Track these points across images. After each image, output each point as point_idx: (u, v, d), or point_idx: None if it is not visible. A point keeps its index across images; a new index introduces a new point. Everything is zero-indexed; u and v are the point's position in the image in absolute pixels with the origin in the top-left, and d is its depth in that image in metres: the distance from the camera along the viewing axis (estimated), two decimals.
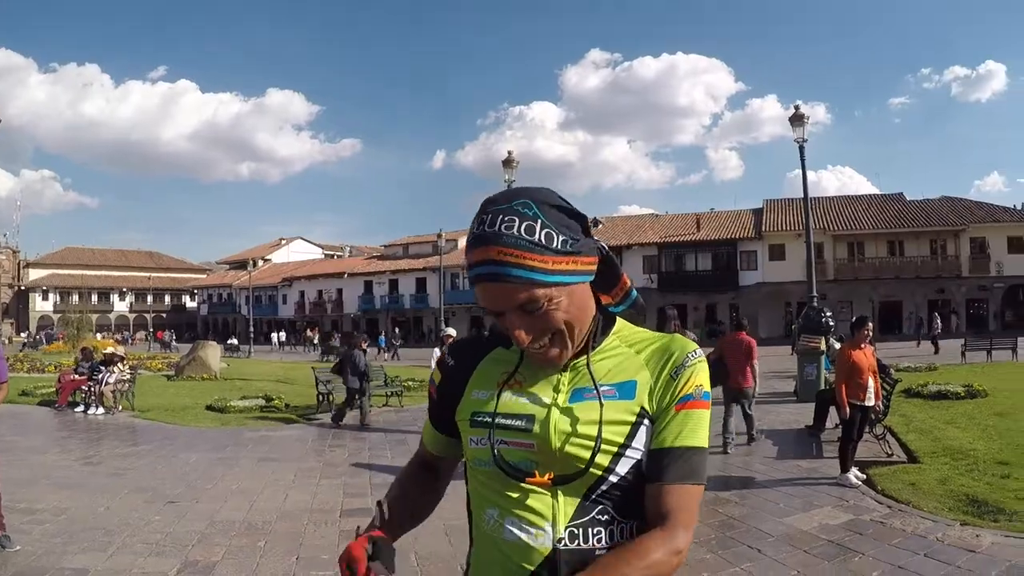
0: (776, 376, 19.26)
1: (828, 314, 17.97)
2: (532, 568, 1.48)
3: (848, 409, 8.54)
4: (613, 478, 1.49)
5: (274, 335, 69.05)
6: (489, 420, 1.55)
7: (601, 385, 1.53)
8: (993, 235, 49.87)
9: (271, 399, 18.25)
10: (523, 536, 1.49)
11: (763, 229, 54.67)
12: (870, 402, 8.81)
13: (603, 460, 1.48)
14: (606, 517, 1.50)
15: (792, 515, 7.33)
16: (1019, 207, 53.62)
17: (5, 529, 6.35)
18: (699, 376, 1.55)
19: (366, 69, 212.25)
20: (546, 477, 1.49)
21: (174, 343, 63.96)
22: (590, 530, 1.49)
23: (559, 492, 1.49)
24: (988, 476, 8.45)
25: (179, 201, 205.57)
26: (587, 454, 1.47)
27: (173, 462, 10.85)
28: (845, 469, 8.55)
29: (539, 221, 1.43)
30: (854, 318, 9.39)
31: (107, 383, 17.27)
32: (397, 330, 60.78)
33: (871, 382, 8.80)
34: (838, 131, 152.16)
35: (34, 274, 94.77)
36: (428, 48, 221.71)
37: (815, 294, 19.29)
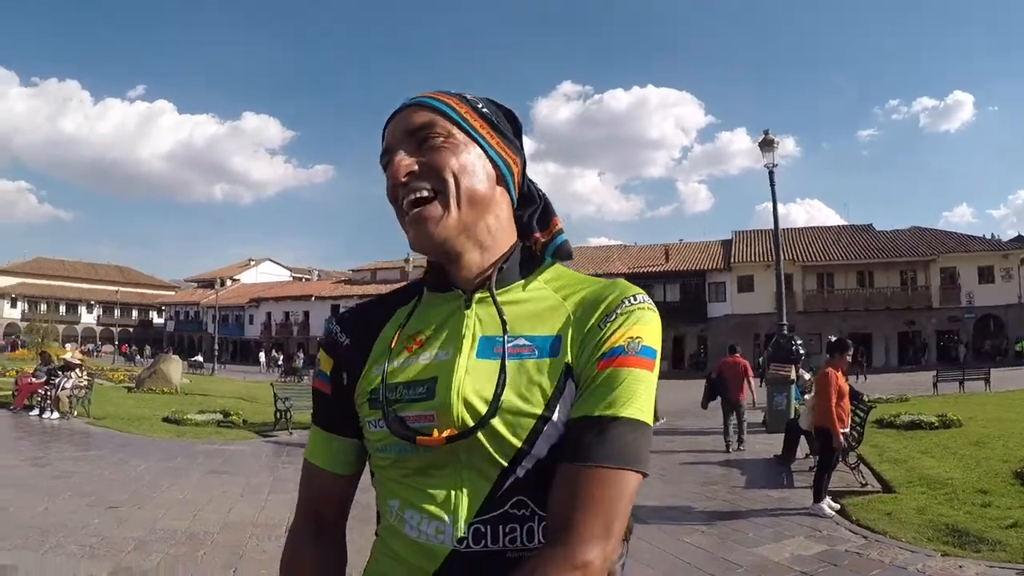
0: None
1: (798, 342, 17.59)
2: (430, 570, 1.18)
3: (840, 437, 8.39)
4: (529, 462, 1.17)
5: (261, 355, 66.19)
6: (379, 393, 1.25)
7: (517, 337, 1.23)
8: (963, 265, 49.63)
9: (229, 414, 17.99)
10: (421, 532, 1.19)
11: (732, 260, 54.56)
12: (846, 429, 8.71)
13: (515, 437, 1.16)
14: (523, 512, 1.17)
15: (762, 545, 7.03)
16: (989, 237, 53.78)
17: None
18: (637, 326, 1.20)
19: (341, 96, 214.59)
20: (437, 434, 1.17)
21: (139, 357, 63.11)
22: (501, 527, 1.17)
23: (465, 481, 1.18)
24: (968, 505, 8.19)
25: (152, 219, 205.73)
26: (497, 426, 1.16)
27: (121, 469, 10.61)
28: (819, 498, 8.30)
29: (472, 95, 1.33)
30: (833, 338, 9.22)
31: (63, 388, 17.21)
32: None
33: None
34: (807, 164, 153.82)
35: (3, 281, 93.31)
36: (403, 77, 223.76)
37: (785, 322, 18.94)
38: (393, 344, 1.29)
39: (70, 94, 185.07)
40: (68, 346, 60.97)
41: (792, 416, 14.25)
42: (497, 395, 1.16)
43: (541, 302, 1.27)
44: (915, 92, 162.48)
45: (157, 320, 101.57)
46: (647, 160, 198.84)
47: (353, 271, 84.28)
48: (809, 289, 52.79)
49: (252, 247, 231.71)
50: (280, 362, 58.23)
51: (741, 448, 13.48)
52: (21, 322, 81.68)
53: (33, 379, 18.07)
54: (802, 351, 17.33)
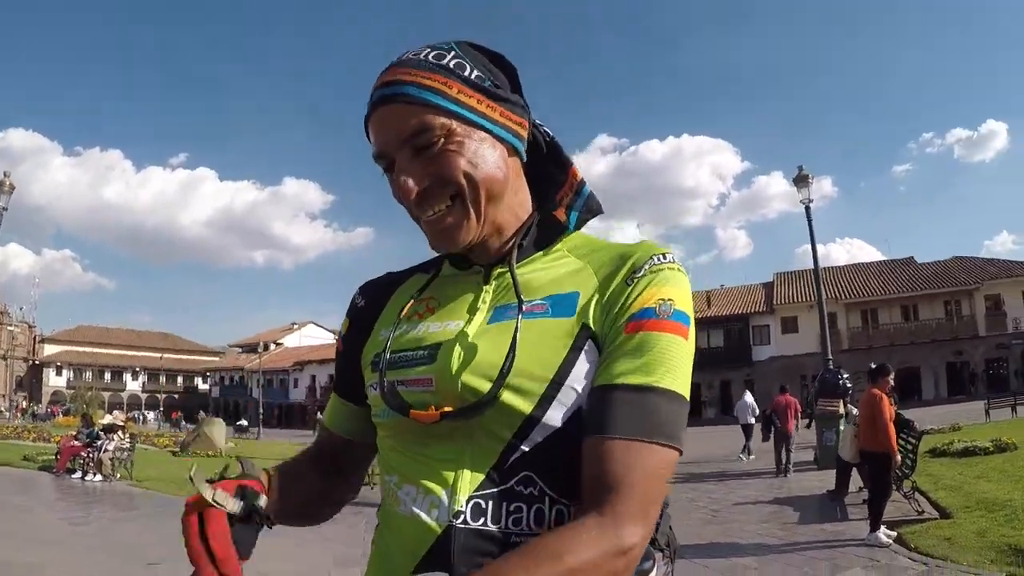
0: (795, 446, 18.78)
1: (845, 376, 17.34)
2: (423, 551, 1.06)
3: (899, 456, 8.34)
4: (539, 433, 1.05)
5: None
6: (380, 355, 1.18)
7: (531, 300, 1.13)
8: (1008, 291, 48.26)
9: None
10: (416, 509, 1.08)
11: (774, 302, 54.06)
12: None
13: (523, 402, 1.04)
14: (530, 490, 1.05)
15: None
16: None
17: None
18: (668, 287, 1.09)
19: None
20: (434, 408, 1.08)
21: (184, 423, 63.67)
22: (505, 506, 1.04)
23: (467, 453, 1.07)
24: None
25: (193, 284, 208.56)
26: (504, 393, 1.05)
27: (162, 528, 10.42)
28: (875, 527, 8.11)
29: (452, 52, 1.15)
30: (873, 365, 9.11)
31: (106, 450, 17.30)
32: None
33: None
34: (845, 204, 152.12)
35: (49, 349, 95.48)
36: None
37: (831, 358, 18.74)
38: (404, 311, 1.24)
39: (112, 163, 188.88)
40: (114, 412, 61.93)
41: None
42: (503, 372, 1.05)
43: (562, 267, 1.19)
44: (948, 124, 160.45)
45: (202, 386, 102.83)
46: (685, 209, 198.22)
47: None
48: (854, 326, 52.10)
49: (294, 311, 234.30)
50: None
51: (789, 473, 15.79)
52: (67, 390, 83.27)
53: (75, 442, 18.09)
54: (849, 384, 17.09)
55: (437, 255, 1.32)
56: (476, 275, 1.22)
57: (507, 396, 1.04)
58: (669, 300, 1.07)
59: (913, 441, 10.16)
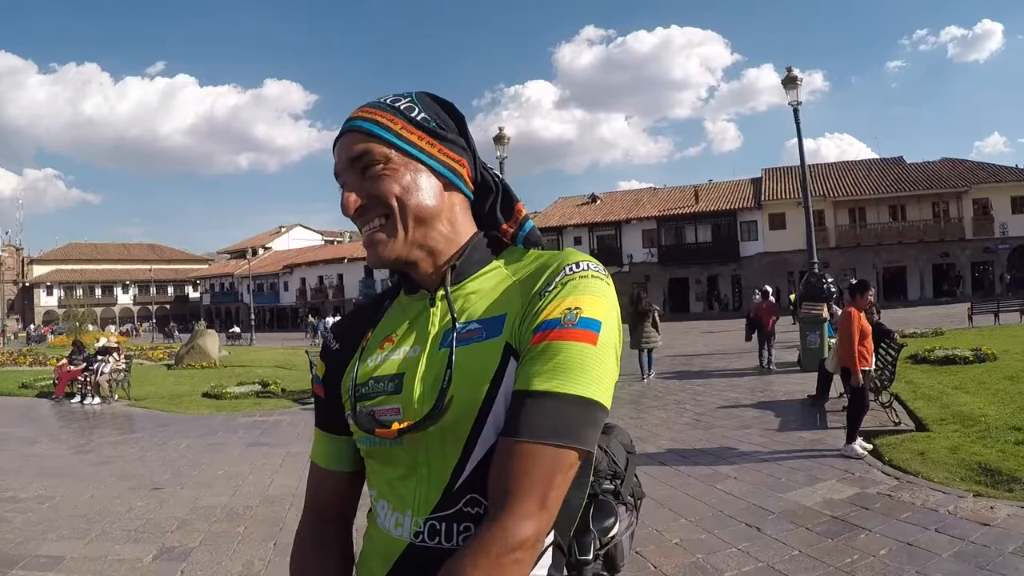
0: (778, 346, 19.08)
1: (829, 280, 17.55)
2: (392, 562, 1.24)
3: (861, 376, 8.33)
4: (480, 451, 1.17)
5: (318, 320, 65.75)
6: (353, 387, 1.33)
7: (469, 323, 1.25)
8: (996, 196, 48.26)
9: (267, 384, 18.04)
10: (386, 524, 1.27)
11: (762, 198, 53.92)
12: (870, 367, 8.68)
13: (464, 423, 1.17)
14: (476, 510, 1.17)
15: (794, 490, 6.99)
16: (1022, 167, 51.42)
17: None
18: (575, 296, 1.17)
19: (361, 56, 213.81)
20: (392, 427, 1.22)
21: (177, 333, 63.64)
22: (455, 526, 1.18)
23: (422, 475, 1.22)
24: (1001, 443, 8.05)
25: (180, 193, 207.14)
26: (447, 418, 1.18)
27: (163, 449, 10.78)
28: (852, 439, 8.26)
29: (409, 99, 1.34)
30: (853, 281, 9.17)
31: (102, 373, 17.35)
32: None
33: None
34: (836, 98, 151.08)
35: (38, 270, 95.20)
36: (421, 31, 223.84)
37: (815, 260, 18.81)
38: (367, 342, 1.38)
39: (89, 76, 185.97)
40: (108, 328, 61.89)
41: (826, 355, 14.21)
42: (443, 390, 1.18)
43: (497, 286, 1.30)
44: (942, 21, 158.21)
45: (193, 294, 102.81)
46: (673, 101, 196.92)
47: None
48: (841, 224, 52.07)
49: (282, 214, 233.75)
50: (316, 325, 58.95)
51: (771, 367, 17.18)
52: (59, 309, 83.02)
53: (72, 367, 18.13)
54: (833, 289, 17.30)
55: (396, 285, 1.47)
56: (423, 299, 1.35)
57: (450, 419, 1.17)
58: (576, 309, 1.15)
59: (893, 353, 10.31)
